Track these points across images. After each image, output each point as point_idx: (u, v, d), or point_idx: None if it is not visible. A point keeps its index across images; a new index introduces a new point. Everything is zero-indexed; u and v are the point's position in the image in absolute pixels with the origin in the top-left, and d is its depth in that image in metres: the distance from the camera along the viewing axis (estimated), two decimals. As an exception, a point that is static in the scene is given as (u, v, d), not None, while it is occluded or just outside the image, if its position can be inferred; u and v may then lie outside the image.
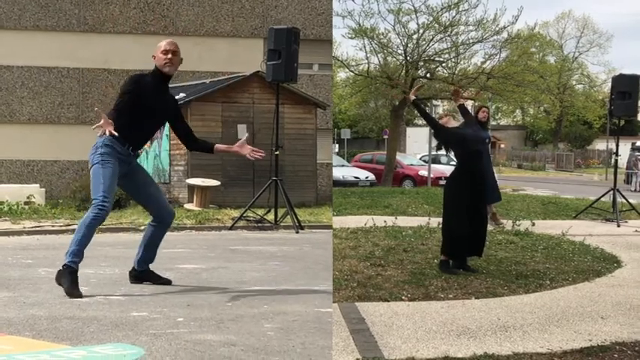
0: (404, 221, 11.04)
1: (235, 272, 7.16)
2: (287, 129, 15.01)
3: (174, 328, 4.72)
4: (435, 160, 27.08)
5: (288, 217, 11.57)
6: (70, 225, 11.94)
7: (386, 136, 29.86)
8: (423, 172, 24.54)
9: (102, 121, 5.39)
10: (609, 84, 13.58)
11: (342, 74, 26.65)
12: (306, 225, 11.77)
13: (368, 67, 23.72)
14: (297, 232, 11.23)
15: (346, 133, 37.50)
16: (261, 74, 14.15)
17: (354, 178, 23.70)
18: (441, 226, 7.68)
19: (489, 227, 10.54)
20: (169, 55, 5.71)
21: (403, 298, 6.01)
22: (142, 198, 6.13)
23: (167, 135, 15.27)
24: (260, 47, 17.80)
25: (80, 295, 5.53)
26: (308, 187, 15.88)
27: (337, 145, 37.29)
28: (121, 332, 4.56)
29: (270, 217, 11.88)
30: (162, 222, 6.05)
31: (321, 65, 20.27)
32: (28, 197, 15.17)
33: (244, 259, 8.19)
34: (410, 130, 39.61)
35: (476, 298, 6.05)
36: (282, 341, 4.77)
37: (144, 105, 5.66)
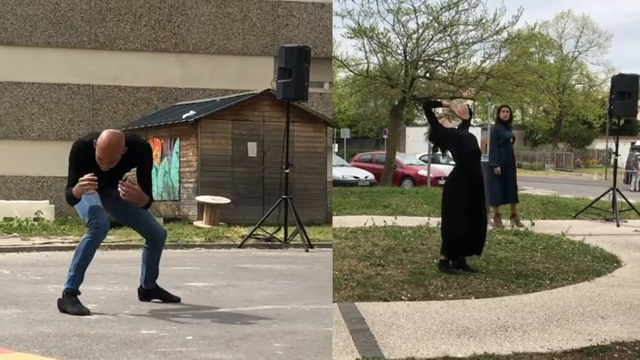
0: (403, 221, 11.04)
1: (244, 290, 7.08)
2: (297, 147, 14.88)
3: (183, 346, 4.70)
4: (435, 159, 27.08)
5: (298, 235, 11.49)
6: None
7: (385, 136, 29.88)
8: (423, 172, 24.55)
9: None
10: (609, 84, 13.58)
11: (341, 74, 26.65)
12: (315, 243, 11.69)
13: (367, 67, 23.73)
14: (307, 251, 11.15)
15: (346, 133, 37.50)
16: (272, 92, 14.15)
17: (353, 178, 23.71)
18: (440, 226, 7.69)
19: (507, 226, 10.56)
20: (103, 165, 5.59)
21: (403, 297, 6.01)
22: (132, 223, 6.16)
23: (177, 152, 15.26)
24: (271, 65, 17.71)
25: (88, 311, 5.54)
26: (318, 206, 15.83)
27: (337, 145, 37.29)
28: (130, 350, 4.54)
29: (280, 235, 11.79)
30: (155, 244, 6.07)
31: (332, 84, 20.18)
32: (36, 213, 15.12)
33: (254, 278, 8.10)
34: (409, 130, 39.58)
35: (476, 298, 6.05)
36: (298, 340, 4.77)
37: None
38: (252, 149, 15.02)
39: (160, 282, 6.23)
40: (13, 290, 6.84)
